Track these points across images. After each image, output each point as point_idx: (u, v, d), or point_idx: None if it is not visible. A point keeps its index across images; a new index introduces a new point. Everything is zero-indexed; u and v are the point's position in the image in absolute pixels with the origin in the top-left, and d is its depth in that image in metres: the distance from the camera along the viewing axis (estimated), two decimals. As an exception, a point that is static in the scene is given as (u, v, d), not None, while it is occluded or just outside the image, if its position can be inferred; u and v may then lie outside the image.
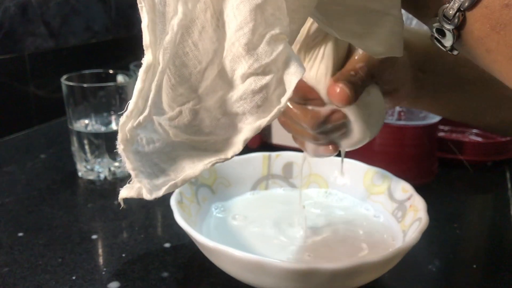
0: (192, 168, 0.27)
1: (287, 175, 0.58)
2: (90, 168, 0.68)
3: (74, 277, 0.45)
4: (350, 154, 0.68)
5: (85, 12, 1.02)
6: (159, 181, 0.26)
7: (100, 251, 0.51)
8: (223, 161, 0.27)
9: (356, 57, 0.39)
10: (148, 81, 0.24)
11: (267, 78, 0.25)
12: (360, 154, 0.66)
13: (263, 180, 0.57)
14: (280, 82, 0.25)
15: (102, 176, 0.68)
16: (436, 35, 0.28)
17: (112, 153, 0.67)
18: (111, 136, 0.67)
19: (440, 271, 0.48)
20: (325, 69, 0.38)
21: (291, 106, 0.41)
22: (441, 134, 0.80)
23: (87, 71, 0.71)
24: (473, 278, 0.48)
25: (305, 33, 0.37)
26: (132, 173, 0.25)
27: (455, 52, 0.28)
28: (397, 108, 0.67)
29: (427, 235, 0.45)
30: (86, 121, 0.68)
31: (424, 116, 0.66)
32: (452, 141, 0.76)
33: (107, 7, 1.09)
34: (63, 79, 0.66)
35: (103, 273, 0.46)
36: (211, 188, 0.53)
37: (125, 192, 0.26)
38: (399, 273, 0.46)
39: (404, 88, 0.44)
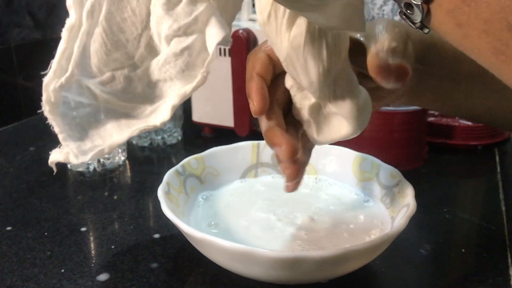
0: (119, 134, 0.27)
1: (276, 163, 0.57)
2: (79, 160, 0.67)
3: (63, 270, 0.45)
4: (339, 141, 0.68)
5: (72, 2, 1.01)
6: (87, 147, 0.26)
7: (89, 243, 0.50)
8: (151, 129, 0.27)
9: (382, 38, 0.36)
10: (72, 41, 0.24)
11: (188, 40, 0.24)
12: (349, 141, 0.66)
13: (252, 169, 0.57)
14: (204, 45, 0.25)
15: (91, 167, 0.67)
16: (404, 10, 0.27)
17: (101, 144, 0.67)
18: (100, 128, 0.67)
19: (429, 255, 0.49)
20: (289, 21, 0.32)
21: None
22: (431, 119, 0.80)
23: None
24: (462, 261, 0.48)
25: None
26: (60, 136, 0.26)
27: (426, 31, 0.28)
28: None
29: (417, 219, 0.45)
30: (74, 113, 0.68)
31: (413, 101, 0.66)
32: (442, 126, 0.76)
33: (94, -4, 1.07)
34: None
35: (92, 265, 0.46)
36: (200, 178, 0.53)
37: (54, 156, 0.26)
38: (390, 258, 0.46)
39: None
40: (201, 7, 0.24)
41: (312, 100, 0.37)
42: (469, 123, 0.80)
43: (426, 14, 0.26)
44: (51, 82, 0.25)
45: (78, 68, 0.25)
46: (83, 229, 0.53)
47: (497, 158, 0.73)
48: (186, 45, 0.25)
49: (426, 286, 0.45)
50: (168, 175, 0.48)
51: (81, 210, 0.57)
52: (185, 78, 0.25)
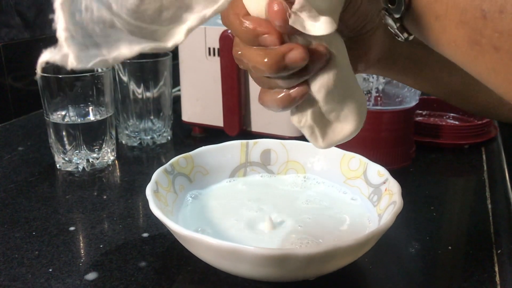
0: (128, 48, 0.25)
1: (265, 162, 0.58)
2: (68, 159, 0.67)
3: (50, 270, 0.45)
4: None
5: (61, 2, 1.00)
6: (90, 53, 0.24)
7: (77, 242, 0.50)
8: (162, 50, 0.26)
9: None
10: None
11: None
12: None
13: (241, 168, 0.58)
14: None
15: (80, 167, 0.67)
16: (386, 5, 0.27)
17: (90, 144, 0.67)
18: (89, 127, 0.67)
19: (417, 252, 0.49)
20: None
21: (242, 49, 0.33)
22: (418, 118, 0.80)
23: (62, 62, 0.70)
24: (449, 259, 0.49)
25: None
26: (63, 34, 0.23)
27: (405, 35, 0.28)
28: (374, 93, 0.67)
29: (405, 217, 0.46)
30: (63, 113, 0.68)
31: (400, 100, 0.66)
32: (430, 125, 0.77)
33: (84, -4, 1.07)
34: (37, 70, 0.65)
35: (80, 264, 0.46)
36: (189, 177, 0.53)
37: (48, 55, 0.24)
38: (377, 255, 0.47)
39: (375, 40, 0.39)
40: None
41: (314, 105, 0.37)
42: (456, 122, 0.81)
43: (407, 8, 0.26)
44: None
45: None
46: (72, 228, 0.53)
47: (483, 156, 0.73)
48: None
49: (413, 283, 0.45)
50: (157, 174, 0.48)
51: (70, 209, 0.57)
52: (207, 1, 0.25)
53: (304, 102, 0.37)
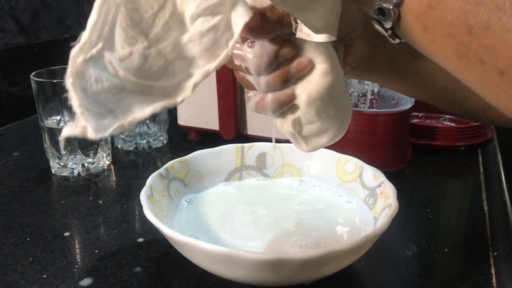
0: (140, 111, 0.27)
1: (260, 165, 0.58)
2: (63, 164, 0.67)
3: (45, 276, 0.45)
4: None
5: (57, 6, 1.00)
6: (106, 121, 0.26)
7: (72, 248, 0.50)
8: (172, 105, 0.27)
9: None
10: (103, 14, 0.24)
11: (215, 20, 0.25)
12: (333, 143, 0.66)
13: (237, 171, 0.57)
14: (228, 26, 0.26)
15: (75, 172, 0.67)
16: (376, 16, 0.28)
17: (85, 149, 0.67)
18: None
19: (413, 255, 0.49)
20: None
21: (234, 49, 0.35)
22: (414, 120, 0.80)
23: (57, 67, 0.69)
24: (445, 261, 0.49)
25: None
26: (78, 110, 0.25)
27: (396, 41, 0.29)
28: (369, 96, 0.67)
29: (401, 220, 0.45)
30: (58, 117, 0.67)
31: (396, 103, 0.66)
32: (426, 127, 0.77)
33: (79, 1, 1.07)
34: (32, 76, 0.65)
35: (75, 270, 0.46)
36: (184, 181, 0.53)
37: (68, 130, 0.25)
38: (374, 258, 0.47)
39: (356, 48, 0.41)
40: None
41: (295, 114, 0.37)
42: (453, 124, 0.81)
43: (397, 19, 0.27)
44: (80, 54, 0.24)
45: (107, 42, 0.25)
46: (67, 234, 0.52)
47: (480, 158, 0.73)
48: (213, 24, 0.25)
49: (409, 286, 0.45)
50: (151, 179, 0.48)
51: (65, 215, 0.57)
52: (209, 56, 0.26)
53: (286, 109, 0.37)
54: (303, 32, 0.33)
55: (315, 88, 0.35)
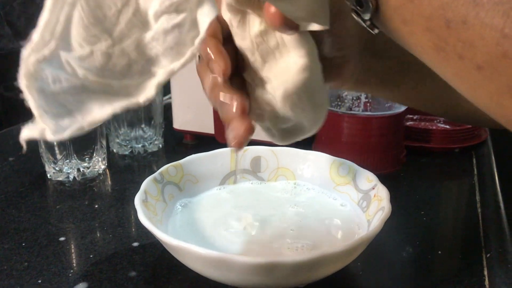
0: (100, 111, 0.26)
1: (255, 169, 0.58)
2: (59, 169, 0.67)
3: (40, 281, 0.45)
4: (317, 146, 0.68)
5: (52, 11, 1.00)
6: (65, 123, 0.25)
7: (67, 252, 0.50)
8: (134, 106, 0.26)
9: None
10: (56, 12, 0.24)
11: (179, 17, 0.24)
12: (328, 146, 0.66)
13: (232, 175, 0.57)
14: (194, 23, 0.25)
15: (71, 177, 0.67)
16: (355, 7, 0.28)
17: (80, 153, 0.67)
18: (79, 136, 0.66)
19: (407, 258, 0.49)
20: (258, 25, 0.34)
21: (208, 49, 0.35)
22: (409, 123, 0.81)
23: (52, 72, 0.70)
24: (439, 263, 0.49)
25: None
26: (36, 112, 0.24)
27: (375, 31, 0.29)
28: (363, 99, 0.68)
29: (395, 222, 0.46)
30: (53, 122, 0.67)
31: (390, 106, 0.67)
32: (420, 129, 0.77)
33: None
34: (27, 81, 0.65)
35: (70, 274, 0.46)
36: (178, 185, 0.53)
37: (27, 133, 0.25)
38: (368, 261, 0.47)
39: (350, 64, 0.41)
40: None
41: (271, 107, 0.37)
42: (447, 126, 0.82)
43: (375, 11, 0.27)
44: (32, 54, 0.24)
45: (61, 40, 0.24)
46: (62, 238, 0.53)
47: (474, 160, 0.74)
48: (177, 22, 0.25)
49: (403, 287, 0.45)
50: (146, 183, 0.48)
51: (60, 219, 0.57)
52: (173, 55, 0.25)
53: (262, 103, 0.37)
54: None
55: (292, 83, 0.34)
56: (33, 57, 0.24)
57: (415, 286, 0.46)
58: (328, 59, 0.39)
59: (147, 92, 0.26)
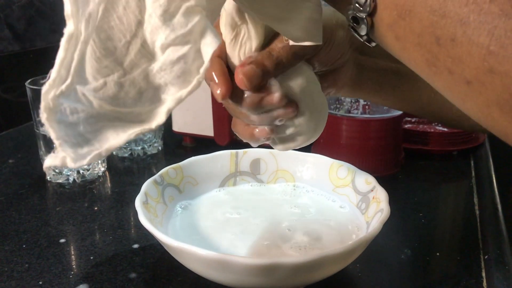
0: (116, 138, 0.27)
1: (254, 171, 0.58)
2: (59, 171, 0.67)
3: (40, 282, 0.45)
4: (316, 148, 0.69)
5: (51, 14, 1.01)
6: (84, 151, 0.27)
7: (68, 254, 0.50)
8: (147, 131, 0.28)
9: (281, 37, 0.36)
10: (70, 50, 0.25)
11: (184, 49, 0.26)
12: (327, 149, 0.67)
13: (231, 177, 0.58)
14: (198, 53, 0.26)
15: (71, 179, 0.67)
16: (352, 23, 0.29)
17: (80, 155, 0.67)
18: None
19: (405, 259, 0.49)
20: (249, 49, 0.36)
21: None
22: (407, 125, 0.81)
23: (52, 74, 0.70)
24: (437, 265, 0.49)
25: (231, 13, 0.35)
26: (56, 142, 0.26)
27: (373, 44, 0.30)
28: (362, 102, 0.68)
29: (394, 224, 0.46)
30: (53, 125, 0.68)
31: (388, 108, 0.67)
32: (418, 132, 0.77)
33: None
34: (27, 83, 0.66)
35: (71, 276, 0.46)
36: (178, 187, 0.53)
37: (49, 161, 0.26)
38: (367, 263, 0.47)
39: (345, 70, 0.43)
40: (196, 19, 0.26)
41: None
42: (445, 129, 0.82)
43: (371, 28, 0.28)
44: (51, 90, 0.25)
45: (76, 76, 0.26)
46: (62, 240, 0.53)
47: (472, 163, 0.74)
48: (182, 53, 0.26)
49: (401, 289, 0.46)
50: (146, 185, 0.49)
51: (61, 221, 0.57)
52: (180, 83, 0.27)
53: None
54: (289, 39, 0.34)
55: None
56: (52, 92, 0.25)
57: (413, 287, 0.46)
58: (326, 66, 0.41)
59: (158, 118, 0.28)
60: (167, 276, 0.46)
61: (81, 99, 0.26)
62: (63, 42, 0.25)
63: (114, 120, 0.28)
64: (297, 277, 0.39)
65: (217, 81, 0.36)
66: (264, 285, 0.40)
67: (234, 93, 0.37)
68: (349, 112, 0.69)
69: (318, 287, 0.43)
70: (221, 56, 0.37)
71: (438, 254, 0.51)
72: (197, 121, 0.78)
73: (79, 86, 0.26)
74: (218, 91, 0.36)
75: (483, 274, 0.47)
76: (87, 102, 0.27)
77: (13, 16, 0.91)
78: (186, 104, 0.78)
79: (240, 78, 0.34)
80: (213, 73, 0.36)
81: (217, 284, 0.42)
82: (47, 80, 0.25)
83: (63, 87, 0.25)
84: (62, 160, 0.26)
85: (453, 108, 0.45)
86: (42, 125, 0.66)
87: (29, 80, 0.66)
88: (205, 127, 0.77)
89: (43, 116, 0.25)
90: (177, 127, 0.80)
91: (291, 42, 0.34)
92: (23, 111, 0.91)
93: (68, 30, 0.25)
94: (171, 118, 0.81)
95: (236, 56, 0.36)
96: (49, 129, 0.26)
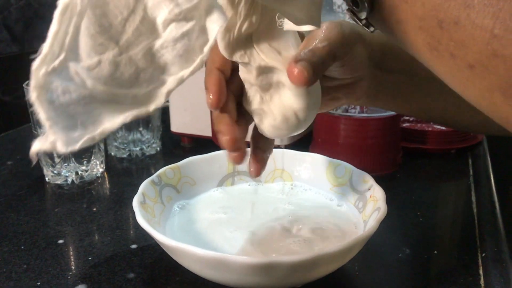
0: (110, 121, 0.26)
1: (252, 171, 0.58)
2: (57, 172, 0.67)
3: (39, 283, 0.45)
4: (314, 148, 0.69)
5: (49, 16, 1.01)
6: (76, 134, 0.25)
7: (66, 255, 0.51)
8: (144, 114, 0.26)
9: (317, 37, 0.37)
10: (65, 23, 0.23)
11: (188, 25, 0.24)
12: (325, 148, 0.67)
13: (229, 177, 0.58)
14: (203, 31, 0.25)
15: (69, 180, 0.67)
16: (351, 7, 0.29)
17: (79, 157, 0.67)
18: (77, 140, 0.67)
19: (403, 258, 0.50)
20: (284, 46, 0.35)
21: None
22: (405, 124, 0.81)
23: (50, 75, 0.70)
24: (434, 263, 0.49)
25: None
26: (46, 123, 0.24)
27: (371, 29, 0.30)
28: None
29: (391, 223, 0.46)
30: (51, 126, 0.68)
31: (386, 107, 0.67)
32: (416, 131, 0.78)
33: (72, 9, 1.07)
34: (25, 85, 0.66)
35: (69, 277, 0.46)
36: (176, 187, 0.53)
37: (38, 145, 0.25)
38: (364, 261, 0.47)
39: (363, 82, 0.44)
40: None
41: (268, 119, 0.38)
42: (443, 128, 0.82)
43: (371, 11, 0.28)
44: (42, 66, 0.24)
45: (70, 51, 0.24)
46: (61, 241, 0.53)
47: (469, 161, 0.74)
48: (186, 29, 0.25)
49: (399, 287, 0.46)
50: (144, 186, 0.49)
51: (59, 222, 0.57)
52: (183, 62, 0.25)
53: (254, 91, 0.38)
54: (289, 24, 0.33)
55: (290, 109, 0.36)
56: (43, 69, 0.24)
57: (411, 286, 0.46)
58: (342, 80, 0.43)
59: (157, 100, 0.26)
60: (165, 276, 0.46)
61: (74, 77, 0.25)
62: (57, 14, 0.23)
63: (109, 102, 0.26)
64: (295, 275, 0.39)
65: (210, 91, 0.36)
66: (262, 284, 0.40)
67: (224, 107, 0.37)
68: (347, 111, 0.69)
69: (316, 286, 0.43)
70: (224, 69, 0.37)
71: (436, 252, 0.51)
72: (195, 121, 0.78)
73: (72, 63, 0.25)
74: (210, 100, 0.36)
75: (481, 272, 0.47)
76: (80, 81, 0.25)
77: (11, 18, 0.91)
78: (184, 105, 0.78)
79: (298, 70, 0.32)
80: (209, 82, 0.36)
81: (216, 284, 0.42)
82: (38, 55, 0.24)
83: (56, 63, 0.24)
84: (52, 144, 0.25)
85: (466, 114, 0.46)
86: (41, 126, 0.66)
87: (27, 82, 0.66)
88: (203, 127, 0.77)
89: (32, 94, 0.24)
90: (175, 127, 0.81)
91: (287, 27, 0.33)
92: (22, 112, 0.91)
93: (63, 1, 0.23)
94: (169, 119, 0.81)
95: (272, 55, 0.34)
96: (39, 109, 0.24)
